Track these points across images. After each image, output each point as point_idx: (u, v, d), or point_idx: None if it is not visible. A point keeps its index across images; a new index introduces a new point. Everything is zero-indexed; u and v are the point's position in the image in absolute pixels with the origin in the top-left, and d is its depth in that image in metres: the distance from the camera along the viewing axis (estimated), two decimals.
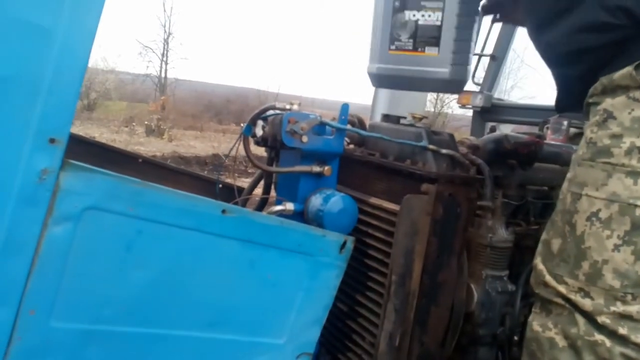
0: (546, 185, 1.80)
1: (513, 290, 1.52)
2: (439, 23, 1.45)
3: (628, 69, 1.07)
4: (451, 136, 1.50)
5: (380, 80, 1.63)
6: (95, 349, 1.03)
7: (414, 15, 1.45)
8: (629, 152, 1.07)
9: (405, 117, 1.62)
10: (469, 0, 1.48)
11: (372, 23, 1.55)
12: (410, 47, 1.47)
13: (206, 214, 1.03)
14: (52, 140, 0.86)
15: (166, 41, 26.19)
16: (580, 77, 1.22)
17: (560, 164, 1.82)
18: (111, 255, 0.98)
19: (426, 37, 1.46)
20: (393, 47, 1.48)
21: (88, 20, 0.87)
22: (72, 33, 0.85)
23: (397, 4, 1.46)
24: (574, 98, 1.28)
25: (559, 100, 1.38)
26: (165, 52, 26.16)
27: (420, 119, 1.55)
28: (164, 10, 35.04)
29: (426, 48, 1.47)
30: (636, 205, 1.06)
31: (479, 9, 1.57)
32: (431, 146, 1.40)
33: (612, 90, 1.12)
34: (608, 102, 1.12)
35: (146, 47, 27.01)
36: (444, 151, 1.40)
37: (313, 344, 1.27)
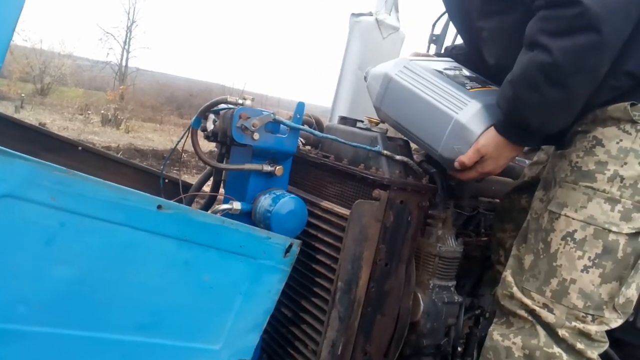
0: (498, 197, 1.81)
1: (460, 301, 1.51)
2: None
3: (623, 104, 1.12)
4: (406, 142, 1.47)
5: None
6: (7, 351, 0.93)
7: None
8: (611, 180, 1.12)
9: (362, 121, 1.59)
10: None
11: None
12: None
13: (139, 208, 0.96)
14: None
15: (129, 29, 25.40)
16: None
17: (513, 178, 1.84)
18: (29, 248, 0.89)
19: None
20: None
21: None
22: None
23: None
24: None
25: None
26: (127, 39, 25.35)
27: (377, 124, 1.53)
28: None
29: None
30: (610, 231, 1.11)
31: None
32: (385, 151, 1.37)
33: (603, 120, 1.16)
34: (599, 131, 1.16)
35: (107, 33, 26.11)
36: (397, 157, 1.37)
37: (251, 351, 1.21)
